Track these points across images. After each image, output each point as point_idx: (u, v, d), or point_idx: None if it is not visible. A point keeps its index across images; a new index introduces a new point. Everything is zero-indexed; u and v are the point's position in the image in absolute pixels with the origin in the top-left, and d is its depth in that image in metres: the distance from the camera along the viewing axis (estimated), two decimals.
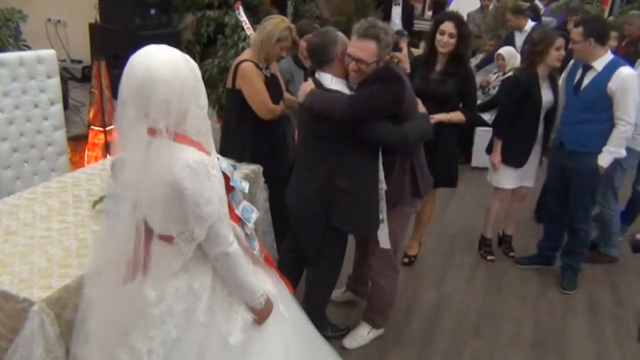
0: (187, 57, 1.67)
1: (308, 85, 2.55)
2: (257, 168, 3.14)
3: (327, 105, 2.47)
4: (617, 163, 3.58)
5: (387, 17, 7.94)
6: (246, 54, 3.14)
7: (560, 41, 3.51)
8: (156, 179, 1.61)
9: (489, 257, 4.03)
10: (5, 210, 2.52)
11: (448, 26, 3.32)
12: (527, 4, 7.13)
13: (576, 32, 3.30)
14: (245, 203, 2.05)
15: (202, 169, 1.62)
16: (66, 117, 3.68)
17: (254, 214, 2.05)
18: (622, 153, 3.33)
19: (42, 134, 3.44)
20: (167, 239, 1.73)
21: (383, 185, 2.62)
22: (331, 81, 2.52)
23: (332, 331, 3.02)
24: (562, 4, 7.29)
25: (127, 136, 1.65)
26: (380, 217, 2.66)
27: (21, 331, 1.89)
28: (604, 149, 3.31)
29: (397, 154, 2.63)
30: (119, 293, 1.76)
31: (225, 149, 3.26)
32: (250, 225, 2.03)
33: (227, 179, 1.82)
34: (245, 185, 2.07)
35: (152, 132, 1.62)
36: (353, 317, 3.19)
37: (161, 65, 1.56)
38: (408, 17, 8.17)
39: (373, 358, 2.96)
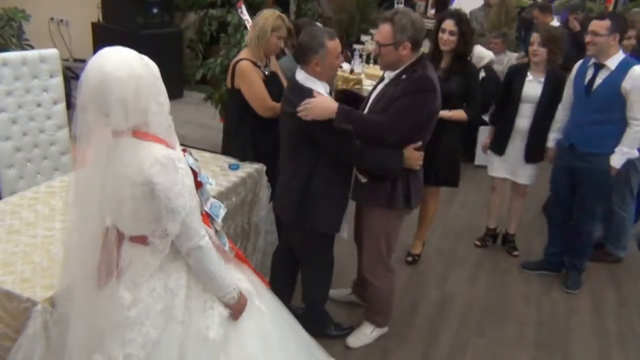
0: (144, 57, 1.70)
1: (327, 101, 2.47)
2: (260, 167, 3.14)
3: (363, 124, 2.52)
4: (631, 165, 3.55)
5: None
6: (243, 53, 3.15)
7: (533, 37, 3.57)
8: (124, 179, 1.65)
9: (476, 242, 4.15)
10: (8, 209, 2.52)
11: (448, 24, 3.34)
12: (530, 2, 7.11)
13: (601, 25, 3.19)
14: (213, 200, 2.05)
15: (171, 163, 1.66)
16: (69, 116, 3.67)
17: (222, 210, 2.05)
18: (635, 153, 3.29)
19: (45, 133, 3.45)
20: (141, 239, 1.75)
21: (359, 178, 2.68)
22: (307, 79, 2.53)
23: (335, 330, 3.02)
24: (565, 1, 7.24)
25: (91, 141, 1.67)
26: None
27: (24, 331, 1.89)
28: (617, 149, 3.27)
29: None
30: (93, 301, 1.76)
31: (227, 148, 3.27)
32: (219, 221, 2.03)
33: (195, 174, 1.84)
34: (213, 182, 2.08)
35: (116, 134, 1.65)
36: (357, 316, 3.18)
37: (114, 65, 1.60)
38: None
39: (376, 357, 2.96)
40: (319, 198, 2.60)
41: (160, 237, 1.71)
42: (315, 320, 2.86)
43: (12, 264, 2.10)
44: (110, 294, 1.75)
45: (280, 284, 2.85)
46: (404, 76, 2.56)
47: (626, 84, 3.16)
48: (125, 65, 1.61)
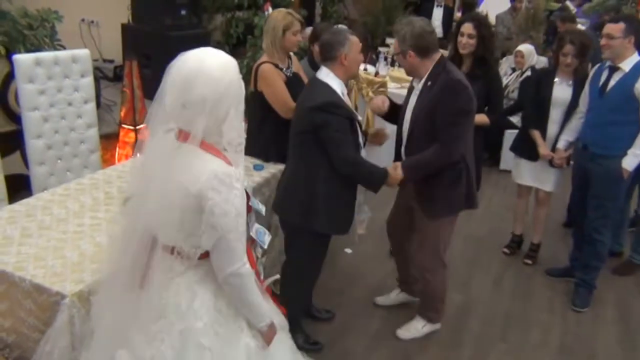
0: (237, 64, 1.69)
1: (397, 173, 2.65)
2: (283, 167, 3.16)
3: (428, 167, 2.67)
4: None
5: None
6: (265, 57, 3.20)
7: (566, 48, 3.49)
8: (179, 188, 1.60)
9: (504, 250, 4.14)
10: (40, 205, 2.59)
11: (467, 27, 3.32)
12: (559, 5, 7.01)
13: (616, 28, 3.17)
14: (258, 225, 2.02)
15: (228, 181, 1.60)
16: (98, 115, 3.75)
17: (267, 236, 2.02)
18: None
19: (76, 132, 3.53)
20: (171, 249, 1.69)
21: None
22: (327, 75, 2.57)
23: (305, 342, 2.86)
24: (596, 4, 7.12)
25: (156, 139, 1.66)
26: (362, 217, 2.77)
27: (53, 324, 1.94)
28: (629, 151, 3.23)
29: (453, 162, 2.66)
30: (128, 300, 1.75)
31: (251, 149, 3.27)
32: (265, 247, 2.01)
33: (247, 198, 1.79)
34: (262, 208, 2.04)
35: (183, 137, 1.62)
36: (404, 315, 3.21)
37: (214, 64, 1.61)
38: (448, 18, 8.01)
39: None
40: (325, 199, 2.58)
41: (191, 248, 1.65)
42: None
43: (43, 259, 2.15)
44: (140, 304, 1.73)
45: None
46: (429, 83, 2.64)
47: (639, 85, 3.12)
48: (223, 67, 1.62)
